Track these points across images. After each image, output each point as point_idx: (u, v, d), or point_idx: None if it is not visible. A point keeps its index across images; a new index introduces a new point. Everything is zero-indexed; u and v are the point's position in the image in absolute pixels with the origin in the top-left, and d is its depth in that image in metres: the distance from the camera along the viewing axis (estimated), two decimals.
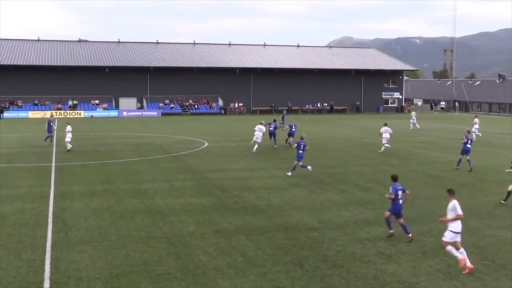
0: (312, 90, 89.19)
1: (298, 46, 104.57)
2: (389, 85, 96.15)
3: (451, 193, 13.78)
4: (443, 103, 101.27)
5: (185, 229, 16.30)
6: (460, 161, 29.11)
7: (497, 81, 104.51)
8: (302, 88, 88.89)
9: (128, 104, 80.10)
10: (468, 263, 12.96)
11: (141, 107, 79.64)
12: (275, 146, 37.66)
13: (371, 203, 20.07)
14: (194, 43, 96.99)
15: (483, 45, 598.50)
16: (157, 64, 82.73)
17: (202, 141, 40.72)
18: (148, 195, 21.07)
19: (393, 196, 15.30)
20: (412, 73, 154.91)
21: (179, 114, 79.22)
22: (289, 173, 26.09)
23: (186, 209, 18.81)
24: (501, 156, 33.97)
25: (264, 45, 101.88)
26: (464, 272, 12.85)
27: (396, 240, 15.28)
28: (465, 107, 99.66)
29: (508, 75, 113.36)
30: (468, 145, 29.12)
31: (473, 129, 41.75)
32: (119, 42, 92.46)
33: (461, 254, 13.05)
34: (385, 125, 36.85)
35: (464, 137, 29.60)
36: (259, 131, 36.08)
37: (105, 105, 78.38)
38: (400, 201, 15.30)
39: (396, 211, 15.32)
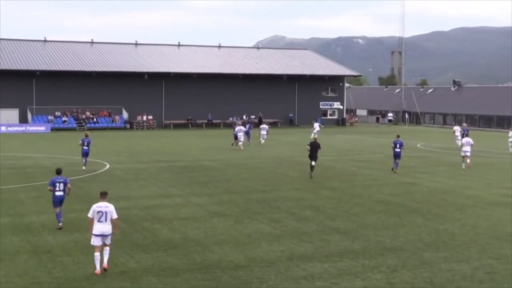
0: (237, 99, 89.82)
1: (219, 46, 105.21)
2: (327, 93, 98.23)
3: (102, 195, 16.55)
4: (390, 115, 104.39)
5: (81, 272, 15.93)
6: (396, 164, 36.88)
7: (452, 88, 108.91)
8: (225, 97, 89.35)
9: (8, 118, 77.74)
10: (97, 269, 15.63)
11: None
12: (248, 143, 53.48)
13: (308, 234, 20.32)
14: (92, 42, 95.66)
15: (436, 46, 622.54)
16: (45, 67, 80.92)
17: (102, 163, 40.11)
18: (33, 231, 20.47)
19: (51, 188, 20.80)
20: (355, 79, 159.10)
21: (73, 129, 77.62)
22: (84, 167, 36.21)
23: (83, 247, 18.39)
24: (458, 177, 35.30)
25: (179, 45, 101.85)
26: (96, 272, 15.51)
27: (338, 278, 15.52)
28: (416, 119, 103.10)
29: (464, 82, 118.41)
30: (397, 149, 36.71)
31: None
32: None
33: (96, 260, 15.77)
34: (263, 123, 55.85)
35: (392, 142, 37.56)
36: (240, 132, 51.60)
37: None
38: (59, 193, 20.66)
39: (56, 202, 20.69)
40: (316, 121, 70.27)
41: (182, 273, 15.86)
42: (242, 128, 53.25)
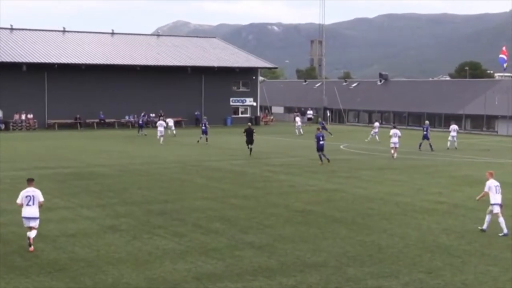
0: (133, 95, 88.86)
1: (112, 33, 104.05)
2: (239, 88, 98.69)
3: (29, 181, 20.64)
4: (310, 112, 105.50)
5: None
6: (320, 157, 43.40)
7: (378, 82, 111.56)
8: (120, 92, 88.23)
9: None
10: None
11: None
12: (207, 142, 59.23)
13: (218, 250, 20.35)
14: None
15: (360, 35, 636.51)
16: None
17: None
18: None
19: None
20: (270, 72, 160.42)
21: None
22: None
23: None
24: (386, 182, 36.14)
25: (64, 31, 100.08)
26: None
27: None
28: (338, 117, 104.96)
29: (391, 75, 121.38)
30: (321, 142, 43.36)
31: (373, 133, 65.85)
32: None
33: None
34: (162, 119, 68.64)
35: (314, 136, 44.59)
36: (161, 126, 61.72)
37: None
38: None
39: None
40: (297, 116, 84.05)
41: None
42: (163, 123, 63.32)
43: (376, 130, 66.08)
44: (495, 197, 22.46)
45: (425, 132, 54.74)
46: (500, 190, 22.61)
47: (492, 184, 22.58)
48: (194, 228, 23.64)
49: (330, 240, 21.81)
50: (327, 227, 23.88)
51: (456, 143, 57.04)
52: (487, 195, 22.69)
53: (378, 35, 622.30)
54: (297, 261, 19.15)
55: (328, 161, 43.52)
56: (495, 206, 22.43)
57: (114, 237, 22.05)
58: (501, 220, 22.41)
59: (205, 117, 67.49)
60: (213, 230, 23.32)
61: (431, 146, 53.85)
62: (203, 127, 60.71)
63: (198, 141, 59.63)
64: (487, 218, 22.79)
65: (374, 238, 22.19)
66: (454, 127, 58.16)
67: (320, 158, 43.74)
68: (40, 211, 20.46)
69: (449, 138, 57.50)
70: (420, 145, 54.42)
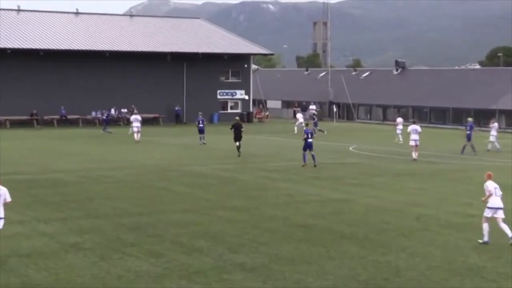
0: (101, 87, 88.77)
1: (77, 12, 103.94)
2: (228, 78, 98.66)
3: None
4: (313, 107, 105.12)
5: None
6: (305, 157, 44.93)
7: (394, 71, 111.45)
8: (86, 84, 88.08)
9: None
10: None
11: None
12: (204, 142, 60.77)
13: (202, 273, 20.19)
14: None
15: (372, 15, 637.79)
16: None
17: None
18: None
19: None
20: (265, 59, 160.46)
21: None
22: None
23: None
24: (404, 191, 36.02)
25: (18, 10, 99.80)
26: None
27: None
28: (347, 112, 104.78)
29: (410, 63, 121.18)
30: (310, 140, 45.12)
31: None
32: None
33: None
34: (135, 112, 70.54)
35: (303, 133, 46.35)
36: (136, 121, 63.62)
37: None
38: None
39: None
40: (299, 112, 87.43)
41: None
42: (138, 117, 64.97)
43: (400, 127, 65.41)
44: (495, 201, 23.37)
45: (468, 132, 54.51)
46: (499, 193, 23.52)
47: (491, 186, 23.52)
48: (173, 246, 23.48)
49: (337, 261, 21.65)
50: (333, 245, 23.72)
51: (490, 145, 56.91)
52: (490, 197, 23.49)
53: (392, 15, 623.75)
54: (298, 286, 19.00)
55: (315, 166, 44.57)
56: (496, 210, 23.32)
57: (77, 258, 21.86)
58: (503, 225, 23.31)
59: (200, 113, 66.55)
60: (197, 248, 23.15)
61: (464, 148, 54.24)
62: (200, 125, 61.37)
63: (203, 143, 60.23)
64: (485, 227, 23.42)
65: (390, 258, 22.04)
66: (495, 125, 58.45)
67: (304, 158, 45.08)
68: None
69: (492, 138, 57.60)
70: (473, 149, 54.33)
